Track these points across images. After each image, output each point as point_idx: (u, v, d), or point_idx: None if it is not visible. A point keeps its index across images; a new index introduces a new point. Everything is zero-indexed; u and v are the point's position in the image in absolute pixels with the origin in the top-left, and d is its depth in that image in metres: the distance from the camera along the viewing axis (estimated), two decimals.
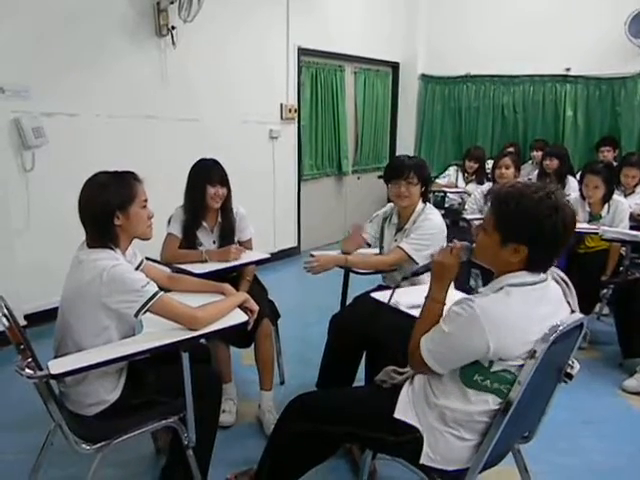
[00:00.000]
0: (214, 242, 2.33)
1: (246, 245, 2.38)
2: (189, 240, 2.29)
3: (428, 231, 2.05)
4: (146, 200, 1.55)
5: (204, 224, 2.30)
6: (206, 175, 2.23)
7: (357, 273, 2.17)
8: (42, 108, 2.95)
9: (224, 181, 2.26)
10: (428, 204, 2.18)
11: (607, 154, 4.39)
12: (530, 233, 1.17)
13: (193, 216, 2.28)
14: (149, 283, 1.43)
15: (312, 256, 2.13)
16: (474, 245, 1.32)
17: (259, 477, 1.52)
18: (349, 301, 2.29)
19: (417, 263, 1.98)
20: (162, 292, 1.46)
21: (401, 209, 2.17)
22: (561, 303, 1.28)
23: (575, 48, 4.92)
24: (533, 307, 1.20)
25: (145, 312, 1.42)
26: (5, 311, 1.35)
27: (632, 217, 3.10)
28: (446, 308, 1.29)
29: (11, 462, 1.87)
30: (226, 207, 2.31)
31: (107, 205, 1.45)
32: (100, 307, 1.40)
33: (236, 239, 2.37)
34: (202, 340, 1.79)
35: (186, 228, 2.28)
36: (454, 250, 1.33)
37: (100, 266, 1.39)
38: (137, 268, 1.67)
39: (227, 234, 2.33)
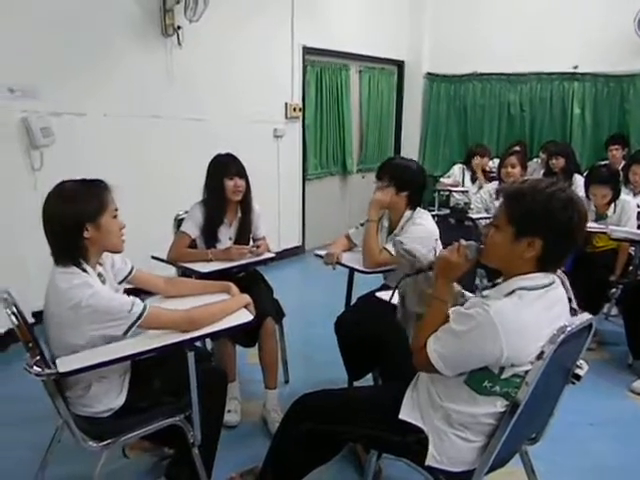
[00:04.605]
0: (230, 238, 2.30)
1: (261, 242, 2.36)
2: (209, 235, 2.24)
3: (416, 235, 1.99)
4: (117, 210, 1.46)
5: (224, 219, 2.28)
6: (223, 168, 2.22)
7: (361, 272, 2.17)
8: (50, 108, 2.96)
9: (242, 173, 2.24)
10: (420, 209, 2.14)
11: (616, 152, 4.34)
12: (546, 224, 1.15)
13: (215, 211, 2.24)
14: (134, 304, 1.37)
15: (319, 256, 2.14)
16: (482, 245, 1.29)
17: (264, 476, 1.52)
18: (353, 301, 2.29)
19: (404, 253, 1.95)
20: (148, 306, 1.40)
21: (390, 214, 2.16)
22: (566, 302, 1.26)
23: (583, 45, 4.87)
24: (545, 311, 1.18)
25: (133, 331, 1.37)
26: (14, 309, 1.36)
27: None
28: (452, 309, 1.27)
29: (18, 459, 1.88)
30: (246, 201, 2.29)
31: (76, 217, 1.35)
32: (85, 333, 1.35)
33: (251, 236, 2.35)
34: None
35: (208, 223, 2.23)
36: (460, 248, 1.29)
37: (76, 297, 1.30)
38: (127, 276, 1.64)
39: (245, 229, 2.31)
